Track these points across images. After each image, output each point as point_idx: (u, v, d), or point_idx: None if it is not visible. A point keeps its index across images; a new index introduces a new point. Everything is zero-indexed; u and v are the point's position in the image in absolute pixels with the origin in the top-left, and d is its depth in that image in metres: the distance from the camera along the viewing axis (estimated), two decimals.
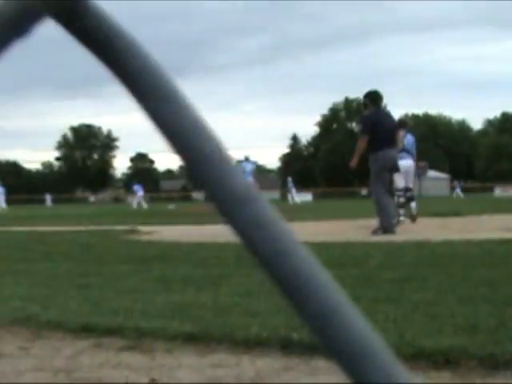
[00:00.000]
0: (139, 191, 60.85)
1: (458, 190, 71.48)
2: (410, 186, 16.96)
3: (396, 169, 13.62)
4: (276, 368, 3.71)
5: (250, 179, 31.26)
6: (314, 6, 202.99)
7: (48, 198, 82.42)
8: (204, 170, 0.29)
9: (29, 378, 3.72)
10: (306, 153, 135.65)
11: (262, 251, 0.30)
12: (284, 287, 0.32)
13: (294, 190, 49.23)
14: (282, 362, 3.81)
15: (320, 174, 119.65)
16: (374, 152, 12.80)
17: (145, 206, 56.59)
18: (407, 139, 16.76)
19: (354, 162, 13.26)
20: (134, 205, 56.86)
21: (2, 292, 6.07)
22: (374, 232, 12.68)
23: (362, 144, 13.03)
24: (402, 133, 16.02)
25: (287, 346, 4.00)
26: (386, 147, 12.72)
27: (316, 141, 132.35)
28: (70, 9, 0.26)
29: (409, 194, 16.87)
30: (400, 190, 16.40)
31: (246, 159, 32.41)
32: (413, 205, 16.83)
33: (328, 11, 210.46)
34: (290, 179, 52.18)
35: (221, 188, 0.30)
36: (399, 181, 15.98)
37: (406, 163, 16.28)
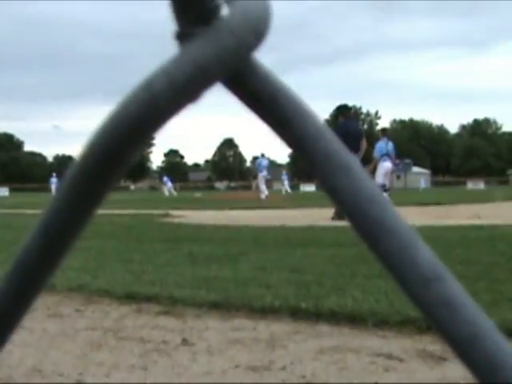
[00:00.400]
0: (168, 182, 60.73)
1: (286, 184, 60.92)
2: (387, 183, 16.95)
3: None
4: (287, 331, 3.72)
5: (265, 173, 31.32)
6: (318, 29, 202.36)
7: None
8: (386, 246, 0.25)
9: (83, 335, 3.74)
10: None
11: (455, 333, 0.26)
12: (479, 371, 0.25)
13: (286, 183, 49.17)
14: (291, 327, 3.81)
15: None
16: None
17: (174, 193, 56.53)
18: (388, 145, 16.63)
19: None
20: (166, 193, 56.80)
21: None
22: (333, 218, 12.70)
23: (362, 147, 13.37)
24: (381, 141, 16.50)
25: (296, 313, 4.01)
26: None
27: None
28: (238, 72, 0.25)
29: (384, 190, 16.96)
30: (379, 185, 16.53)
31: (262, 155, 32.37)
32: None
33: (329, 33, 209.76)
34: (284, 172, 52.24)
35: (405, 265, 0.26)
36: (380, 178, 16.01)
37: (387, 165, 16.32)
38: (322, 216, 13.57)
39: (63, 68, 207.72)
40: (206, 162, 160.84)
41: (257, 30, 0.25)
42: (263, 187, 30.84)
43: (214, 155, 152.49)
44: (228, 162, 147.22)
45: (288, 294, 4.41)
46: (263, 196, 30.22)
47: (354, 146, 12.82)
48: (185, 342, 3.58)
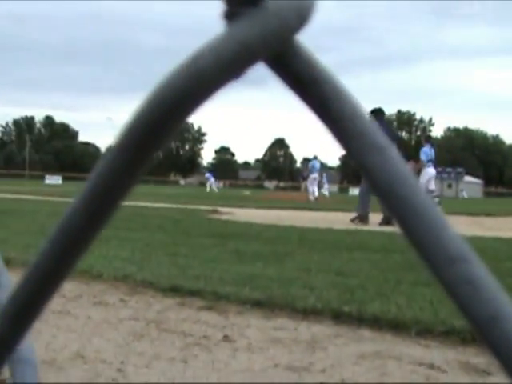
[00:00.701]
0: (211, 178, 60.90)
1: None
2: (435, 189, 17.17)
3: None
4: (328, 334, 3.70)
5: (316, 175, 31.30)
6: (373, 32, 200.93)
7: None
8: (414, 225, 0.26)
9: (126, 324, 3.79)
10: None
11: (475, 312, 0.26)
12: (498, 353, 0.26)
13: (326, 186, 48.82)
14: (333, 330, 3.80)
15: None
16: None
17: (215, 190, 56.61)
18: (432, 151, 16.90)
19: None
20: (208, 189, 56.96)
21: (107, 253, 6.18)
22: (380, 224, 12.79)
23: None
24: (425, 147, 16.74)
25: (338, 317, 3.99)
26: None
27: None
28: (281, 53, 0.26)
29: (433, 197, 17.10)
30: (428, 191, 16.67)
31: (315, 158, 32.42)
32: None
33: (384, 37, 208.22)
34: (324, 175, 52.14)
35: (432, 243, 0.26)
36: (429, 184, 16.17)
37: (431, 171, 16.61)
38: (370, 220, 13.47)
39: (120, 61, 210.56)
40: (257, 160, 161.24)
41: (300, 14, 0.26)
42: (313, 189, 30.86)
43: (265, 154, 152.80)
44: (278, 162, 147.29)
45: (331, 296, 4.40)
46: (312, 197, 30.23)
47: None
48: (226, 338, 3.59)
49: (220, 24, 0.26)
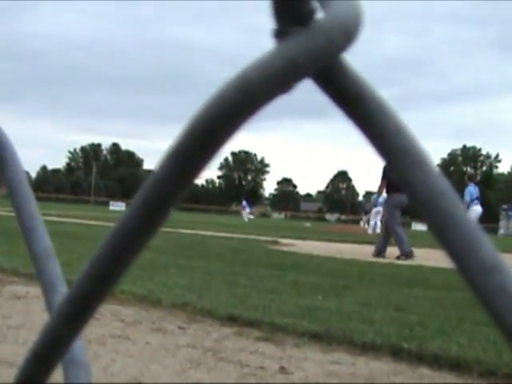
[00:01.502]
0: (246, 207, 59.87)
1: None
2: None
3: (403, 209, 13.96)
4: (386, 371, 3.64)
5: (380, 209, 31.04)
6: (438, 66, 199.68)
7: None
8: (452, 236, 0.27)
9: (184, 352, 3.80)
10: None
11: (509, 321, 0.27)
12: None
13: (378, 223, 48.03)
14: (392, 367, 3.73)
15: None
16: (389, 194, 13.67)
17: (246, 218, 55.19)
18: (476, 189, 17.63)
19: (375, 198, 14.78)
20: (245, 219, 55.78)
21: (167, 281, 6.24)
22: (398, 258, 12.89)
23: (382, 187, 13.94)
24: (470, 186, 17.60)
25: (397, 353, 3.92)
26: (399, 192, 13.21)
27: None
28: (327, 70, 0.28)
29: None
30: None
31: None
32: None
33: (449, 71, 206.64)
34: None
35: (469, 254, 0.27)
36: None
37: (478, 209, 17.21)
38: (432, 256, 13.26)
39: (185, 91, 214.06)
40: (319, 192, 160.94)
41: (347, 33, 0.27)
42: (375, 222, 30.55)
43: (327, 187, 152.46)
44: (340, 195, 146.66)
45: (390, 332, 4.33)
46: (371, 231, 29.99)
47: (399, 185, 13.14)
48: (282, 370, 3.57)
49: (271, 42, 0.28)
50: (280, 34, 0.27)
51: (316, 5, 0.29)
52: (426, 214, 0.27)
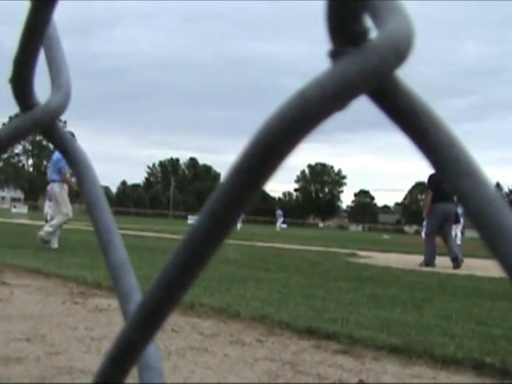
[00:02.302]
0: (280, 217, 58.97)
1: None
2: None
3: (450, 219, 14.07)
4: None
5: (461, 220, 30.41)
6: None
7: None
8: (503, 246, 0.27)
9: (262, 364, 3.81)
10: (507, 199, 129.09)
11: None
12: None
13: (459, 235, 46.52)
14: (474, 381, 3.64)
15: None
16: (433, 204, 13.66)
17: (277, 229, 54.21)
18: None
19: (425, 213, 14.21)
20: (278, 228, 54.83)
21: (245, 293, 6.28)
22: (420, 265, 13.38)
23: (428, 198, 13.99)
24: None
25: (480, 368, 3.82)
26: (443, 201, 13.41)
27: None
28: (382, 87, 0.29)
29: None
30: None
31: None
32: None
33: None
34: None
35: None
36: None
37: None
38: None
39: (260, 104, 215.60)
40: (397, 204, 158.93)
41: (398, 51, 0.28)
42: (455, 234, 29.96)
43: (405, 198, 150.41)
44: (418, 206, 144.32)
45: (472, 346, 4.23)
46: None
47: (444, 195, 13.26)
48: (361, 383, 3.53)
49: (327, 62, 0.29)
50: (335, 55, 0.29)
51: (369, 24, 0.30)
52: (476, 224, 0.28)
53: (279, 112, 0.27)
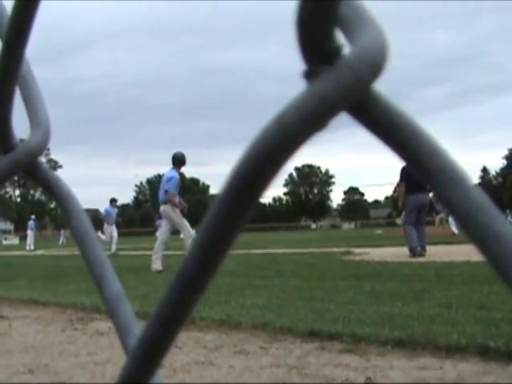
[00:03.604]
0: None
1: None
2: None
3: (425, 209, 14.42)
4: (475, 372, 3.56)
5: None
6: (489, 58, 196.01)
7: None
8: (496, 250, 0.27)
9: (268, 372, 3.81)
10: (494, 182, 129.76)
11: None
12: None
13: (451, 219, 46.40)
14: (480, 367, 3.64)
15: (508, 200, 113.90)
16: (408, 195, 13.99)
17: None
18: None
19: (400, 205, 14.72)
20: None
21: (244, 303, 6.27)
22: (410, 255, 13.60)
23: (401, 189, 14.35)
24: None
25: (485, 353, 3.83)
26: (416, 192, 13.77)
27: (504, 171, 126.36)
28: (360, 102, 0.29)
29: None
30: None
31: None
32: None
33: (501, 61, 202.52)
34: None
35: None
36: None
37: None
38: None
39: (237, 113, 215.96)
40: (387, 198, 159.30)
41: (373, 65, 0.28)
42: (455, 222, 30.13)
43: (394, 191, 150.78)
44: None
45: (475, 332, 4.23)
46: (455, 229, 29.64)
47: (417, 186, 13.61)
48: (369, 380, 3.53)
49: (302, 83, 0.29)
50: (310, 75, 0.29)
51: (342, 40, 0.30)
52: (468, 231, 0.28)
53: (258, 140, 0.27)
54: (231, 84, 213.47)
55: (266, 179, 0.27)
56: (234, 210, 0.27)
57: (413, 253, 13.65)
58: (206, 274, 0.30)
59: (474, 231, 0.27)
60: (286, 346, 4.46)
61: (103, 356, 4.44)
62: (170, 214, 12.06)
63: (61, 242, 60.99)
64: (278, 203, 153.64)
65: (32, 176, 0.55)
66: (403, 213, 14.86)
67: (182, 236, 12.50)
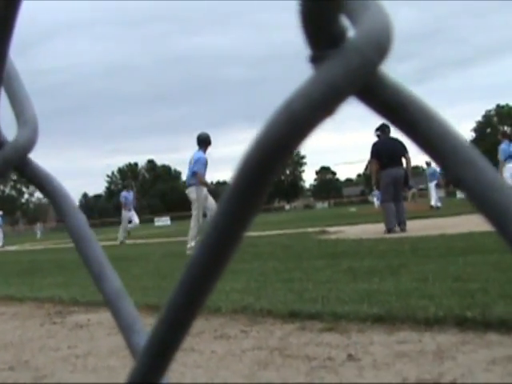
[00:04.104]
0: None
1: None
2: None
3: (400, 183, 14.16)
4: (454, 342, 3.61)
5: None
6: (456, 31, 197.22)
7: None
8: (510, 226, 0.28)
9: (250, 355, 3.82)
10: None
11: None
12: None
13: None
14: (458, 337, 3.70)
15: None
16: (381, 171, 13.90)
17: None
18: (510, 147, 17.32)
19: (374, 182, 14.56)
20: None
21: (223, 287, 6.27)
22: (384, 232, 13.52)
23: (373, 166, 14.22)
24: (503, 144, 17.51)
25: (462, 323, 3.88)
26: (389, 167, 13.74)
27: (473, 145, 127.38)
28: (367, 85, 0.28)
29: None
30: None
31: (428, 164, 32.42)
32: None
33: (468, 35, 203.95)
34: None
35: None
36: (509, 180, 16.35)
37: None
38: (480, 221, 13.09)
39: (206, 98, 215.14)
40: (358, 176, 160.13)
41: (380, 47, 0.28)
42: (436, 195, 30.63)
43: (366, 168, 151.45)
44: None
45: (452, 303, 4.29)
46: (434, 202, 29.99)
47: (390, 161, 13.69)
48: (350, 357, 3.56)
49: (308, 68, 0.28)
50: (316, 60, 0.28)
51: (346, 23, 0.29)
52: (484, 212, 0.28)
53: (266, 129, 0.27)
54: (198, 69, 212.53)
55: (275, 167, 0.27)
56: (246, 198, 0.27)
57: (388, 231, 13.64)
58: (219, 263, 0.30)
59: (491, 212, 0.27)
60: (266, 328, 4.48)
61: (84, 348, 4.42)
62: (196, 195, 12.09)
63: (38, 236, 60.45)
64: None
65: (22, 173, 0.55)
66: (374, 190, 14.90)
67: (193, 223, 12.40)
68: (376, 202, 32.21)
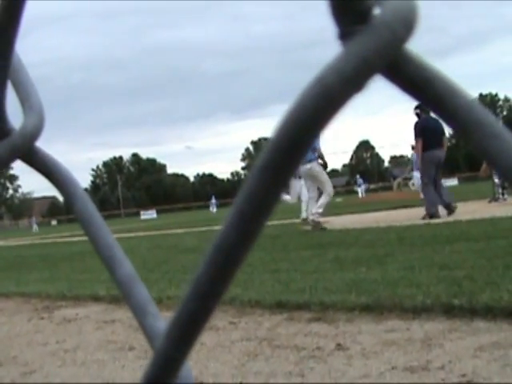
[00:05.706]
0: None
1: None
2: None
3: (441, 166, 13.32)
4: (441, 330, 3.63)
5: None
6: (433, 21, 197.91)
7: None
8: None
9: (239, 346, 3.83)
10: (449, 144, 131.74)
11: None
12: None
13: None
14: (446, 325, 3.72)
15: (463, 160, 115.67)
16: (424, 152, 12.96)
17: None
18: None
19: (419, 163, 13.57)
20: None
21: None
22: (423, 218, 12.60)
23: (418, 145, 13.14)
24: None
25: (449, 311, 3.91)
26: (431, 148, 12.87)
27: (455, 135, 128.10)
28: (393, 62, 0.29)
29: None
30: None
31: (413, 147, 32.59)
32: None
33: (445, 24, 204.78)
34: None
35: None
36: None
37: None
38: (467, 210, 13.18)
39: (187, 90, 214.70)
40: (344, 166, 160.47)
41: (407, 22, 0.28)
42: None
43: (351, 159, 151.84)
44: (366, 165, 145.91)
45: (439, 291, 4.31)
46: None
47: (433, 142, 12.86)
48: (339, 346, 3.58)
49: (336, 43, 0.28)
50: (344, 36, 0.28)
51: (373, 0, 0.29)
52: (510, 182, 0.29)
53: (299, 103, 0.27)
54: (177, 62, 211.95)
55: (306, 143, 0.27)
56: (276, 177, 0.27)
57: (430, 217, 12.61)
58: (245, 244, 0.30)
59: None
60: (254, 319, 4.49)
61: (72, 343, 4.41)
62: (319, 171, 12.54)
63: (34, 229, 60.01)
64: (236, 178, 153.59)
65: (29, 162, 0.54)
66: (414, 173, 13.96)
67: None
68: (413, 186, 31.65)
